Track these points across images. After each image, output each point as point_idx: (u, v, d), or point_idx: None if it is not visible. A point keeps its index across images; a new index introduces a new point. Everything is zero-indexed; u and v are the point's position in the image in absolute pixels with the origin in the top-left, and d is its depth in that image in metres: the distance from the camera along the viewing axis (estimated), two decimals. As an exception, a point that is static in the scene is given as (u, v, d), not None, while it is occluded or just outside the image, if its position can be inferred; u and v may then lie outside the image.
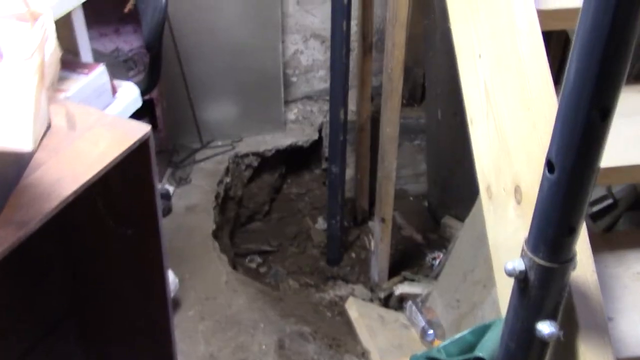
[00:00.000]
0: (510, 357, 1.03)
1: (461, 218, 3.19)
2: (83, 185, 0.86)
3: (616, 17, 0.74)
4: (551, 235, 0.93)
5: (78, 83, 1.44)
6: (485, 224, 1.41)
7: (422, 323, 2.45)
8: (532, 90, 1.12)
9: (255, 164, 2.92)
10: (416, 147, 3.25)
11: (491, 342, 1.12)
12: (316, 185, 3.23)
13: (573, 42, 0.79)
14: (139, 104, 1.62)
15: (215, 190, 2.65)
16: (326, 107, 3.16)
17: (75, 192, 0.85)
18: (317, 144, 3.09)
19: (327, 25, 2.92)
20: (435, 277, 2.85)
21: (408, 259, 2.99)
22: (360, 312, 2.46)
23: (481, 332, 1.24)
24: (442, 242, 3.12)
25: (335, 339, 2.28)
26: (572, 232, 0.92)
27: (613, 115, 0.81)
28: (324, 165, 3.20)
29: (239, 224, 3.02)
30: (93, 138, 0.95)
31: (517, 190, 1.20)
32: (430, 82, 3.06)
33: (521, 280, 0.96)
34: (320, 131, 3.10)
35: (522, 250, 0.98)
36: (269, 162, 2.99)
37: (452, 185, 3.17)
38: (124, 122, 1.00)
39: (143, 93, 2.26)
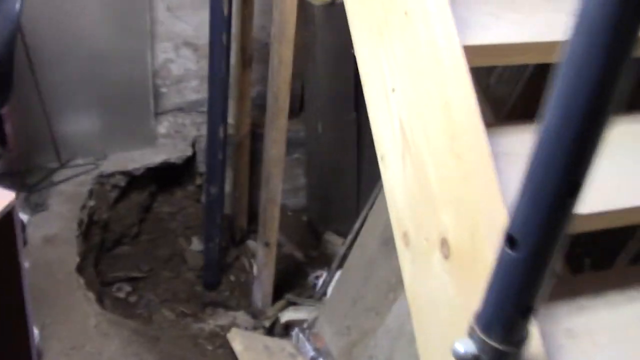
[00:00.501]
0: None
1: (342, 234, 3.12)
2: None
3: (599, 83, 0.65)
4: (508, 315, 0.83)
5: None
6: (402, 271, 1.31)
7: (311, 352, 2.33)
8: (462, 139, 1.02)
9: (123, 184, 2.65)
10: (295, 160, 3.13)
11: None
12: (189, 203, 3.01)
13: (544, 110, 0.69)
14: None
15: (78, 216, 2.36)
16: (199, 119, 2.95)
17: None
18: (190, 159, 2.87)
19: (200, 33, 2.73)
20: (320, 299, 2.75)
21: (290, 279, 2.86)
22: (244, 344, 2.30)
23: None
24: (324, 259, 3.03)
25: (221, 380, 2.11)
26: (529, 311, 0.83)
27: (583, 189, 0.72)
28: (198, 181, 2.99)
29: (105, 249, 2.73)
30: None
31: (443, 243, 1.10)
32: (310, 95, 2.94)
33: (469, 363, 0.85)
34: (193, 146, 2.88)
35: (471, 328, 0.87)
36: (137, 180, 2.72)
37: (333, 199, 3.09)
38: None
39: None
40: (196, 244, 2.95)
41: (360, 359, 2.20)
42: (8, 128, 2.36)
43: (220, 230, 2.60)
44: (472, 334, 0.87)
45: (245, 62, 2.43)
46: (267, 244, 2.37)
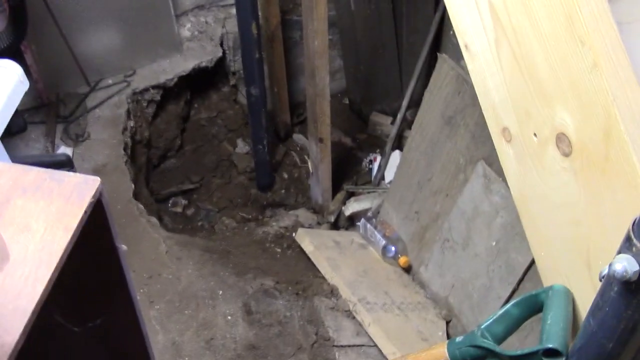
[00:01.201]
0: (607, 356, 0.86)
1: (389, 113, 3.00)
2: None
3: None
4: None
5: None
6: (503, 167, 1.20)
7: (382, 240, 2.29)
8: (585, 20, 0.86)
9: (158, 97, 2.52)
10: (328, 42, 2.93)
11: (560, 330, 0.94)
12: (227, 105, 2.88)
13: None
14: (25, 86, 1.22)
15: (122, 141, 2.26)
16: (222, 14, 2.75)
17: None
18: (221, 59, 2.71)
19: None
20: (378, 184, 2.68)
21: (344, 167, 2.78)
22: (314, 243, 2.26)
23: (528, 304, 1.07)
24: (374, 141, 2.94)
25: (299, 283, 2.09)
26: None
27: None
28: (232, 81, 2.84)
29: (152, 166, 2.66)
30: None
31: (560, 139, 0.98)
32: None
33: (630, 282, 0.76)
34: (222, 44, 2.70)
35: (629, 242, 0.77)
36: (171, 91, 2.59)
37: (374, 78, 2.93)
38: (62, 183, 0.66)
39: (10, 47, 1.81)
40: (241, 146, 2.86)
41: (434, 242, 2.16)
42: (29, 60, 2.22)
43: (267, 132, 2.49)
44: (630, 247, 0.76)
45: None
46: (321, 140, 2.26)
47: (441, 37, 2.90)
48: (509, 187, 1.86)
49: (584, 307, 1.04)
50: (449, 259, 2.10)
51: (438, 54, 2.12)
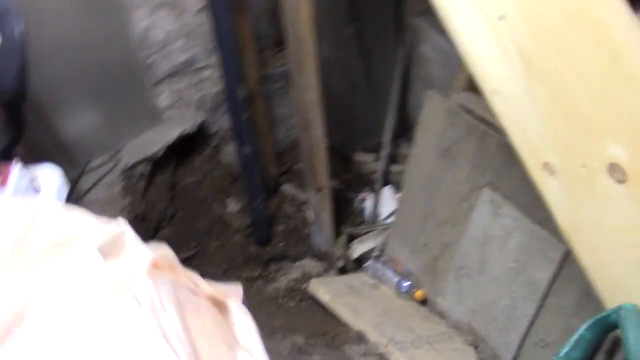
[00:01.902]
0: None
1: (369, 150, 3.06)
2: None
3: None
4: None
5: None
6: (545, 199, 1.25)
7: (394, 277, 2.33)
8: (630, 59, 0.93)
9: (148, 170, 2.51)
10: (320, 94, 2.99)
11: (646, 347, 0.99)
12: (211, 166, 2.89)
13: None
14: (65, 190, 1.21)
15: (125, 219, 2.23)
16: (195, 79, 2.77)
17: None
18: (202, 123, 2.72)
19: (173, -13, 2.50)
20: (374, 222, 2.73)
21: (337, 211, 2.81)
22: (330, 292, 2.27)
23: (600, 326, 1.12)
24: (361, 180, 2.99)
25: (326, 334, 2.09)
26: None
27: None
28: (214, 142, 2.85)
29: (149, 239, 2.62)
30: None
31: (612, 168, 1.04)
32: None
33: None
34: (201, 109, 2.72)
35: None
36: (159, 162, 2.58)
37: (351, 118, 2.99)
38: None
39: (6, 150, 1.78)
40: (232, 205, 2.86)
41: (448, 271, 2.20)
42: (16, 151, 2.18)
43: (263, 188, 2.51)
44: None
45: (240, 8, 2.24)
46: (320, 189, 2.29)
47: (409, 70, 3.00)
48: (518, 210, 1.95)
49: (655, 322, 1.09)
50: (465, 285, 2.14)
51: (427, 91, 2.20)
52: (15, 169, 1.06)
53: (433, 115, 2.14)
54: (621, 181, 1.02)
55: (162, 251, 0.52)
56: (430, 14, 2.82)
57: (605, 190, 1.07)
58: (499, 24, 1.13)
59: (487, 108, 2.03)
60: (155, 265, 0.51)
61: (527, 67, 1.11)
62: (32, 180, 1.13)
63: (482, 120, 2.01)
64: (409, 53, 2.92)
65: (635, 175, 1.00)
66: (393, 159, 2.97)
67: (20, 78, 1.55)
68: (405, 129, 3.16)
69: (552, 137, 1.14)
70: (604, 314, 1.13)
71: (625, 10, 0.95)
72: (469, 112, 2.07)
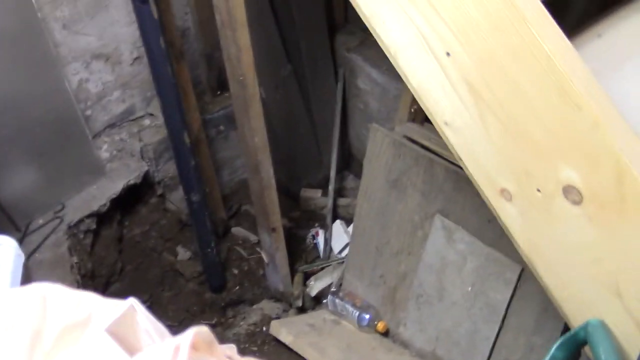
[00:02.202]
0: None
1: (315, 185, 3.07)
2: None
3: None
4: None
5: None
6: (504, 224, 1.29)
7: (354, 311, 2.33)
8: (578, 89, 0.98)
9: (94, 225, 2.45)
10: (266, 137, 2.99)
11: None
12: (158, 215, 2.84)
13: None
14: (22, 260, 1.17)
15: (74, 280, 2.16)
16: (135, 128, 2.74)
17: None
18: (145, 173, 2.67)
19: (106, 40, 2.49)
20: (328, 257, 2.73)
21: (289, 249, 2.80)
22: (292, 333, 2.25)
23: (570, 344, 1.15)
24: (309, 216, 2.99)
25: (292, 376, 2.07)
26: None
27: None
28: (159, 191, 2.81)
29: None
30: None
31: (567, 190, 1.08)
32: (238, 63, 2.78)
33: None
34: (142, 157, 2.68)
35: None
36: (104, 216, 2.52)
37: (295, 156, 3.01)
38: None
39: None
40: (182, 253, 2.81)
41: (408, 300, 2.23)
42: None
43: (214, 234, 2.48)
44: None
45: (178, 56, 2.23)
46: (273, 229, 2.28)
47: (346, 105, 3.06)
48: (470, 234, 2.00)
49: (621, 333, 1.13)
50: (426, 313, 2.17)
51: (369, 124, 2.24)
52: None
53: (379, 147, 2.18)
54: (577, 202, 1.07)
55: (198, 330, 0.49)
56: (364, 49, 2.91)
57: (562, 212, 1.11)
58: (446, 60, 1.18)
59: (431, 137, 2.10)
60: (194, 348, 0.48)
61: (477, 99, 1.15)
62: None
63: (428, 149, 2.06)
64: (345, 88, 2.97)
65: (591, 196, 1.04)
66: (339, 192, 3.00)
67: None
68: (347, 162, 3.20)
69: (506, 164, 1.18)
70: (572, 331, 1.17)
71: (567, 42, 1.01)
72: (414, 142, 2.12)
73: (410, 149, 2.09)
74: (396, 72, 2.82)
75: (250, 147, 2.06)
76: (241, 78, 1.89)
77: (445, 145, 2.07)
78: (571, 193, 1.08)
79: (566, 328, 1.87)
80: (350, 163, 3.21)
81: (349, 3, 3.12)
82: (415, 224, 2.14)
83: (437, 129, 1.31)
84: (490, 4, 1.06)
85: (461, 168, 1.98)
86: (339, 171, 3.03)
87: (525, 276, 1.87)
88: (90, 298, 0.47)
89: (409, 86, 1.32)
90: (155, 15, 1.88)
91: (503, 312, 1.94)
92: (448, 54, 1.17)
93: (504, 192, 1.22)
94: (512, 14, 1.03)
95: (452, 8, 1.12)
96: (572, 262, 1.16)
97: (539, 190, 1.14)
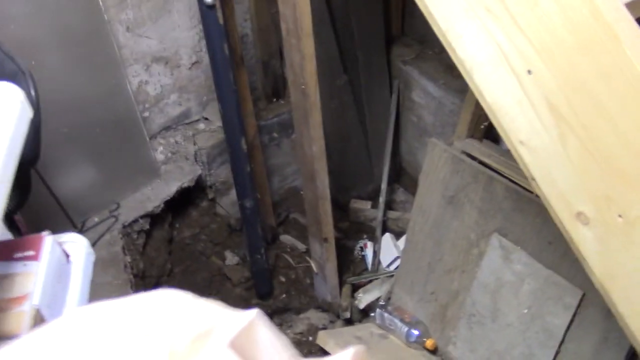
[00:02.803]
0: None
1: (364, 197, 3.06)
2: None
3: None
4: None
5: (32, 277, 0.98)
6: (577, 248, 1.25)
7: (403, 327, 2.30)
8: (672, 112, 0.95)
9: (147, 226, 2.47)
10: (295, 140, 2.99)
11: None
12: (208, 220, 2.85)
13: None
14: (92, 258, 1.18)
15: (127, 279, 2.19)
16: (190, 132, 2.76)
17: None
18: (198, 177, 2.69)
19: (167, 44, 2.52)
20: (377, 270, 2.71)
21: (337, 260, 2.79)
22: (339, 344, 2.23)
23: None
24: (358, 227, 2.97)
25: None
26: None
27: None
28: (210, 195, 2.83)
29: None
30: None
31: (653, 218, 1.04)
32: (294, 71, 2.78)
33: None
34: (195, 160, 2.70)
35: None
36: (157, 217, 2.54)
37: (345, 166, 2.99)
38: None
39: (12, 212, 1.74)
40: (230, 258, 2.82)
41: (459, 319, 2.18)
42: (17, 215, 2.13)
43: (265, 241, 2.48)
44: None
45: (238, 62, 2.24)
46: (325, 240, 2.27)
47: (399, 117, 3.03)
48: (529, 255, 1.95)
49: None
50: (478, 333, 2.12)
51: (428, 139, 2.21)
52: (48, 241, 1.02)
53: (436, 162, 2.15)
54: (666, 230, 1.02)
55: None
56: (420, 62, 2.89)
57: (646, 240, 1.07)
58: (527, 78, 1.15)
59: (491, 155, 2.06)
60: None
61: (558, 120, 1.12)
62: (65, 252, 1.09)
63: (487, 166, 2.02)
64: (400, 100, 2.95)
65: (677, 225, 1.00)
66: (389, 205, 2.97)
67: (35, 138, 1.52)
68: (398, 175, 3.17)
69: (585, 187, 1.14)
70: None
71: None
72: (473, 158, 2.08)
73: (469, 165, 2.05)
74: (453, 86, 2.79)
75: (308, 155, 2.05)
76: (303, 87, 1.89)
77: (505, 163, 2.04)
78: (657, 221, 1.04)
79: (627, 358, 1.81)
80: (401, 176, 3.18)
81: (406, 14, 3.10)
82: (471, 241, 2.10)
83: (510, 147, 1.28)
84: (580, 21, 1.03)
85: (522, 187, 1.96)
86: (389, 184, 3.00)
87: (586, 302, 1.81)
88: (214, 307, 0.46)
89: (482, 102, 1.29)
90: (221, 20, 1.89)
91: (560, 338, 1.88)
92: (529, 71, 1.14)
93: (580, 216, 1.18)
94: (603, 32, 1.00)
95: (537, 24, 1.09)
96: (654, 291, 1.11)
97: (620, 216, 1.10)
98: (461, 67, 1.32)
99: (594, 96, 1.05)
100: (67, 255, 1.09)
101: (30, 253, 1.00)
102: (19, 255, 1.00)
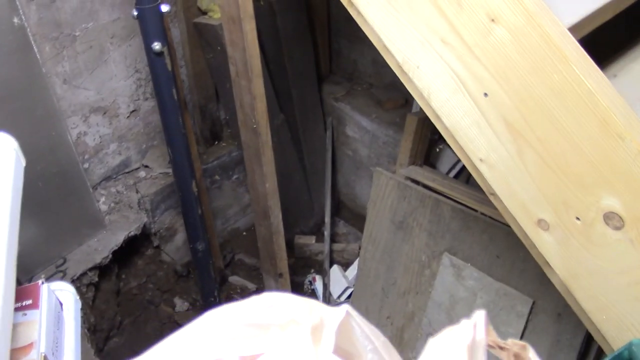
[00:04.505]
0: None
1: (308, 232, 3.11)
2: None
3: None
4: None
5: (35, 326, 0.97)
6: (540, 253, 1.35)
7: (362, 354, 2.34)
8: (619, 120, 1.07)
9: (96, 278, 2.42)
10: (235, 181, 3.03)
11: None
12: (154, 267, 2.82)
13: None
14: (79, 305, 1.17)
15: (83, 334, 2.12)
16: (131, 180, 2.74)
17: None
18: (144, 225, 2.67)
19: (104, 94, 2.52)
20: (329, 302, 2.75)
21: (287, 296, 2.82)
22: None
23: (615, 363, 1.21)
24: (305, 262, 3.02)
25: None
26: None
27: None
28: (155, 242, 2.80)
29: (98, 352, 2.50)
30: None
31: (608, 217, 1.16)
32: (232, 113, 2.83)
33: None
34: (139, 207, 2.68)
35: None
36: (106, 269, 2.50)
37: (288, 204, 3.04)
38: None
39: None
40: (180, 304, 2.79)
41: (417, 339, 2.26)
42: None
43: (217, 282, 2.48)
44: None
45: (182, 106, 2.27)
46: (280, 275, 2.30)
47: (335, 152, 3.14)
48: (480, 270, 2.06)
49: (663, 351, 1.19)
50: (436, 351, 2.20)
51: (373, 168, 2.31)
52: (45, 289, 1.02)
53: (383, 190, 2.25)
54: (618, 227, 1.14)
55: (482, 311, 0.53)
56: (351, 98, 3.01)
57: (603, 238, 1.18)
58: (484, 100, 1.26)
59: (435, 179, 2.18)
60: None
61: (515, 136, 1.23)
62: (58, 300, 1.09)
63: (433, 189, 2.14)
64: (334, 136, 3.06)
65: (633, 220, 1.12)
66: (332, 238, 3.04)
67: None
68: (337, 208, 3.26)
69: (544, 196, 1.25)
70: (616, 352, 1.22)
71: (604, 78, 1.10)
72: (417, 183, 2.19)
73: (415, 190, 2.16)
74: (385, 119, 2.91)
75: (261, 193, 2.10)
76: (255, 126, 1.94)
77: (449, 186, 2.16)
78: (612, 219, 1.15)
79: (578, 358, 1.94)
80: (340, 209, 3.27)
81: (333, 54, 3.22)
82: (422, 263, 2.20)
83: (469, 167, 1.38)
84: (531, 45, 1.15)
85: (467, 207, 2.08)
86: (331, 217, 3.08)
87: (537, 309, 1.93)
88: (315, 302, 0.51)
89: (439, 126, 1.39)
90: (170, 67, 1.93)
91: (516, 345, 1.99)
92: (486, 94, 1.25)
93: (541, 222, 1.29)
94: (553, 54, 1.12)
95: (492, 51, 1.20)
96: (613, 285, 1.22)
97: (578, 219, 1.22)
98: (418, 96, 1.43)
99: (548, 111, 1.17)
100: (61, 303, 1.09)
101: (29, 302, 0.99)
102: (17, 305, 0.99)
